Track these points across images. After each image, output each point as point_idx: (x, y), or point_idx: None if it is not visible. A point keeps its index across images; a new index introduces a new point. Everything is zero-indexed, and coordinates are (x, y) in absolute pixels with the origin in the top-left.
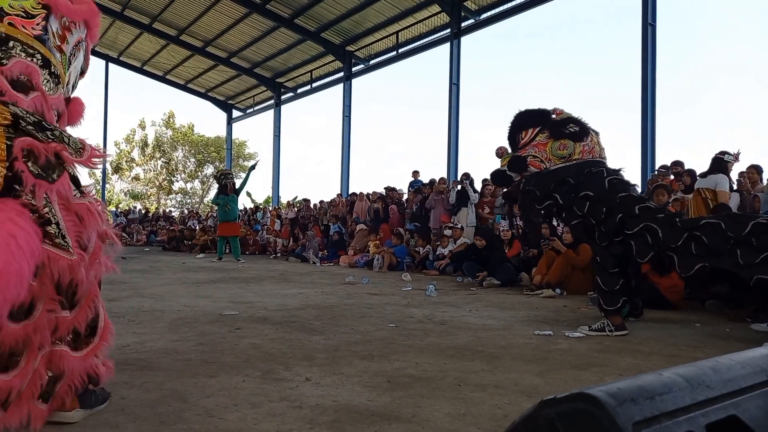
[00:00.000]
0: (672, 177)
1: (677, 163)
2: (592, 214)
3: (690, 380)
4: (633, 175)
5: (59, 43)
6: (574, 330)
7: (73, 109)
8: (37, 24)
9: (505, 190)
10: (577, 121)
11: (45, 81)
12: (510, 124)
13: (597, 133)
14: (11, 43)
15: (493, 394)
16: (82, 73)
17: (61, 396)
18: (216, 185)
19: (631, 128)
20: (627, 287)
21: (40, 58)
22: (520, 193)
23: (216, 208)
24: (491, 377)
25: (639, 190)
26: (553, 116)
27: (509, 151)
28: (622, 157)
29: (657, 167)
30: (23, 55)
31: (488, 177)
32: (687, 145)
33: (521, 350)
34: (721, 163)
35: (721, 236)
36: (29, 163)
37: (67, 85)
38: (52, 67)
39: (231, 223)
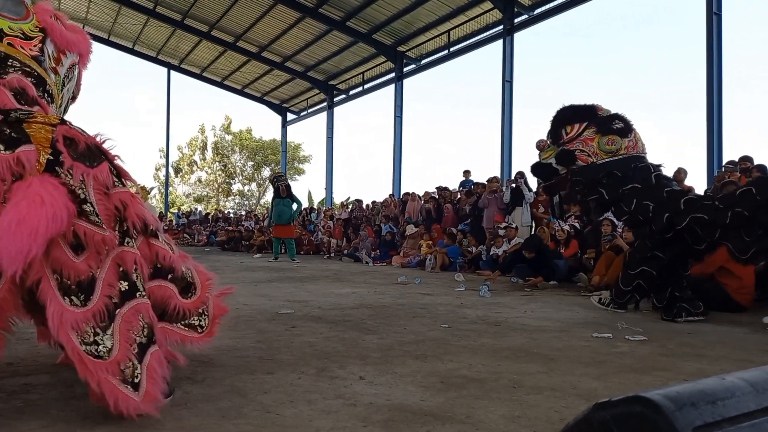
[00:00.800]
0: (739, 173)
1: (746, 158)
2: (639, 211)
3: (755, 385)
4: (699, 171)
5: (54, 65)
6: (635, 333)
7: None
8: (35, 45)
9: (544, 183)
10: (621, 118)
11: (39, 97)
12: (554, 118)
13: (637, 131)
14: (10, 62)
15: (549, 397)
16: (74, 98)
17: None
18: (271, 188)
19: (697, 124)
20: (641, 289)
21: (35, 76)
22: (570, 185)
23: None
24: (547, 380)
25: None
26: (599, 113)
27: (549, 144)
28: (684, 155)
29: (724, 163)
30: (20, 72)
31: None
32: (756, 138)
33: (579, 353)
34: None
35: (756, 205)
36: (69, 149)
37: (60, 107)
38: (47, 86)
39: (285, 225)
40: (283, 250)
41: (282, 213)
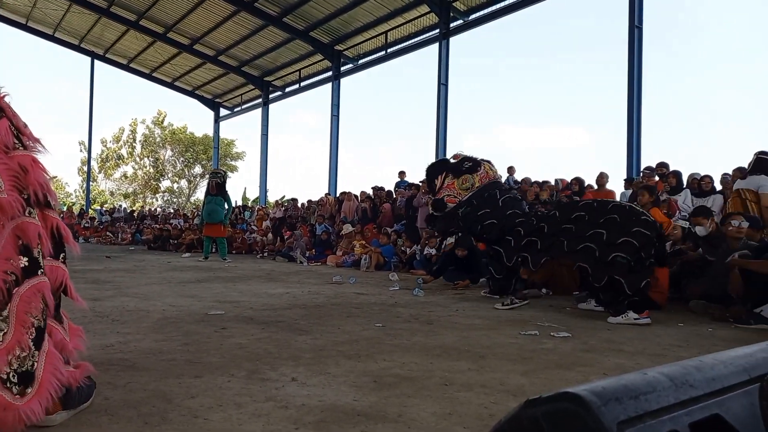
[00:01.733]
0: (657, 178)
1: (662, 164)
2: (486, 230)
3: (674, 379)
4: (619, 176)
5: None
6: (559, 330)
7: None
8: None
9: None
10: (469, 158)
11: None
12: (426, 176)
13: (489, 161)
14: None
15: (479, 394)
16: None
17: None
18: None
19: (619, 130)
20: (513, 272)
21: None
22: (458, 221)
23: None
24: (477, 377)
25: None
26: (452, 160)
27: (429, 196)
28: (607, 160)
29: (642, 168)
30: None
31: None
32: (674, 146)
33: (507, 350)
34: (764, 163)
35: (554, 224)
36: None
37: None
38: None
39: (216, 224)
40: (213, 250)
41: (213, 211)
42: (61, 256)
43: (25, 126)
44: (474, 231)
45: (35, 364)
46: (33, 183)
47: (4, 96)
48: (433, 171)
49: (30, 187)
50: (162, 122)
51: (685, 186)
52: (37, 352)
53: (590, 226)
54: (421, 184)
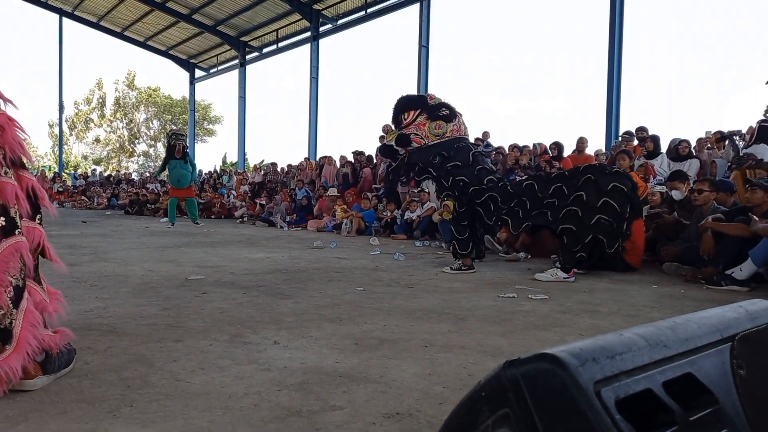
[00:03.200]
0: (636, 143)
1: (641, 129)
2: (455, 186)
3: (648, 339)
4: (598, 140)
5: None
6: (537, 292)
7: None
8: None
9: (390, 162)
10: (447, 106)
11: None
12: (394, 107)
13: (461, 115)
14: None
15: (458, 355)
16: None
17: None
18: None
19: (598, 93)
20: (474, 238)
21: None
22: (403, 164)
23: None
24: (457, 338)
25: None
26: (429, 101)
27: (393, 128)
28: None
29: (621, 133)
30: None
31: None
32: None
33: (486, 312)
34: (766, 132)
35: (535, 199)
36: None
37: None
38: None
39: (184, 189)
40: (179, 214)
41: (182, 177)
42: (38, 217)
43: None
44: (442, 184)
45: (13, 322)
46: (9, 141)
47: None
48: (406, 104)
49: (6, 146)
50: (132, 82)
51: (663, 151)
52: (15, 310)
53: (570, 192)
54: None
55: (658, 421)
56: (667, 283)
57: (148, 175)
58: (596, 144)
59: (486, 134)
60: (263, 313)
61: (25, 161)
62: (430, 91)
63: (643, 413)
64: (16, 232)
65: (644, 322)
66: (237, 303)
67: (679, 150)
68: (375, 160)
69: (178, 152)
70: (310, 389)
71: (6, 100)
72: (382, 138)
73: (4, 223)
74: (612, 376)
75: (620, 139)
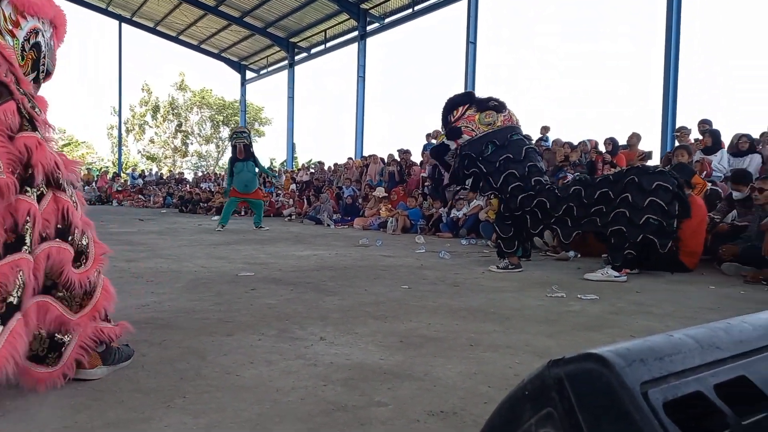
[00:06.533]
0: (695, 138)
1: (704, 122)
2: (504, 185)
3: (700, 341)
4: (654, 137)
5: (11, 27)
6: (587, 292)
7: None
8: None
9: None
10: (495, 99)
11: None
12: (442, 109)
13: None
14: None
15: (504, 355)
16: (49, 74)
17: (75, 359)
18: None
19: (656, 90)
20: (519, 236)
21: None
22: (458, 156)
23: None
24: (503, 338)
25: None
26: (476, 96)
27: (441, 131)
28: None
29: (677, 128)
30: None
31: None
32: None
33: (533, 312)
34: None
35: (582, 205)
36: None
37: (26, 74)
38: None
39: (251, 193)
40: (243, 212)
41: (250, 182)
42: (69, 238)
43: (33, 107)
44: (490, 182)
45: None
46: (36, 163)
47: (13, 81)
48: (454, 102)
49: (34, 168)
50: (183, 84)
51: (725, 146)
52: (2, 326)
53: (615, 195)
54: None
55: (709, 425)
56: (727, 285)
57: (201, 174)
58: (651, 140)
59: (545, 129)
60: (310, 310)
61: (62, 181)
62: (477, 90)
63: (692, 416)
64: (23, 248)
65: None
66: (285, 299)
67: (739, 145)
68: (422, 158)
69: (240, 152)
70: (356, 385)
71: (45, 124)
72: (428, 136)
73: (13, 240)
74: (660, 377)
75: (677, 134)
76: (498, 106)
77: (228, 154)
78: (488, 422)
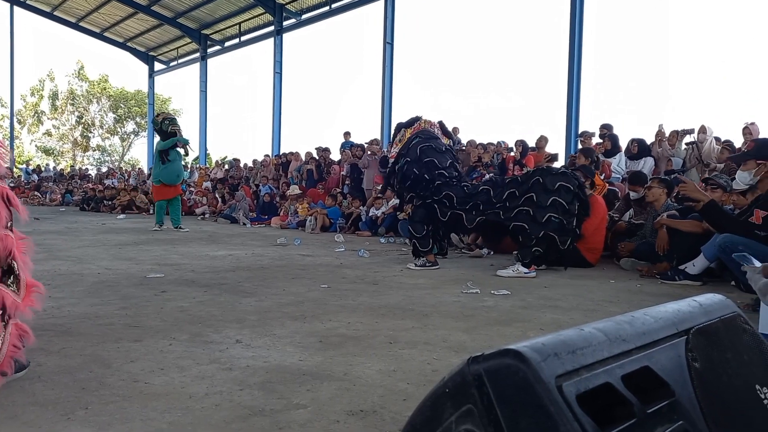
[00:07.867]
0: (598, 141)
1: (605, 126)
2: (403, 184)
3: (608, 334)
4: (558, 139)
5: None
6: (499, 288)
7: None
8: None
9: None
10: (405, 121)
11: None
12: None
13: (428, 122)
14: None
15: (422, 351)
16: None
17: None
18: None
19: (558, 92)
20: (435, 234)
21: None
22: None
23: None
24: (421, 335)
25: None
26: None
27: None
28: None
29: (580, 132)
30: None
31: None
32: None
33: (449, 308)
34: None
35: (489, 202)
36: None
37: None
38: None
39: (175, 186)
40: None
41: (181, 172)
42: (9, 224)
43: None
44: (401, 187)
45: None
46: None
47: None
48: (396, 129)
49: None
50: (81, 73)
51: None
52: None
53: (521, 194)
54: (366, 144)
55: (618, 414)
56: (624, 279)
57: (105, 170)
58: (556, 143)
59: (455, 130)
60: (225, 312)
61: None
62: (395, 91)
63: (602, 406)
64: None
65: (603, 317)
66: (198, 301)
67: (630, 149)
68: (340, 156)
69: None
70: (273, 388)
71: None
72: (346, 135)
73: None
74: (573, 370)
75: (581, 138)
76: (409, 122)
77: (135, 148)
78: (410, 420)
